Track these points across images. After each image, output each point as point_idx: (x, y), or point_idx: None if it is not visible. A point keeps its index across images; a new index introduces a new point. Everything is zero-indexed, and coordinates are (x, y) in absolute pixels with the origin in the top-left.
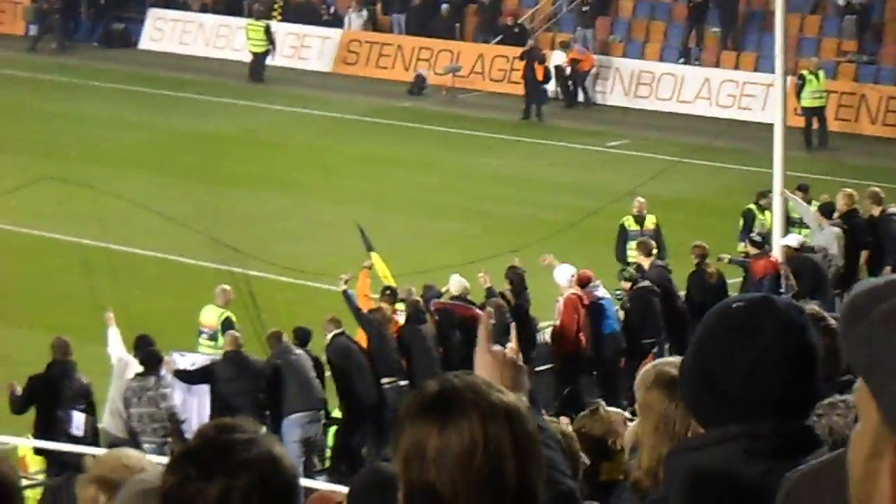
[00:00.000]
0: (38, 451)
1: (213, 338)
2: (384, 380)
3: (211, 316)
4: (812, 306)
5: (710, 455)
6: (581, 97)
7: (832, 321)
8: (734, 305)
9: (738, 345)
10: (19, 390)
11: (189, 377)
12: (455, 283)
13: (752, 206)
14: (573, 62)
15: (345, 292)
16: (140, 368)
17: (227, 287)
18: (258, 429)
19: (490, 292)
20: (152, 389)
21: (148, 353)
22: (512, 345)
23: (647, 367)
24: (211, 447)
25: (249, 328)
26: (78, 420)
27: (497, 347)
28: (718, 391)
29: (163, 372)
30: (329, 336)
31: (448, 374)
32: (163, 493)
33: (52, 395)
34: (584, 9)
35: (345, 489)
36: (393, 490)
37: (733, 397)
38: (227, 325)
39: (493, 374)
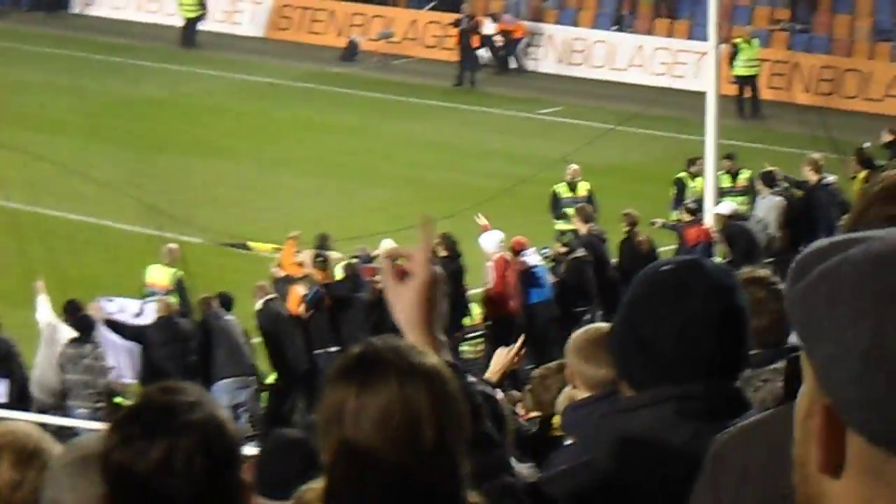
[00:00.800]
0: None
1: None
2: (317, 350)
3: (160, 275)
4: (764, 270)
5: (640, 417)
6: (513, 65)
7: (782, 285)
8: (664, 268)
9: (668, 306)
10: None
11: (121, 331)
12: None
13: (682, 173)
14: (503, 32)
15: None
16: (70, 333)
17: (173, 246)
18: (202, 392)
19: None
20: (88, 357)
21: (81, 318)
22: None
23: (578, 334)
24: (154, 408)
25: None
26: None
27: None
28: (649, 353)
29: (97, 337)
30: (260, 302)
31: (373, 338)
32: (104, 453)
33: None
34: None
35: None
36: (296, 452)
37: (664, 358)
38: (179, 284)
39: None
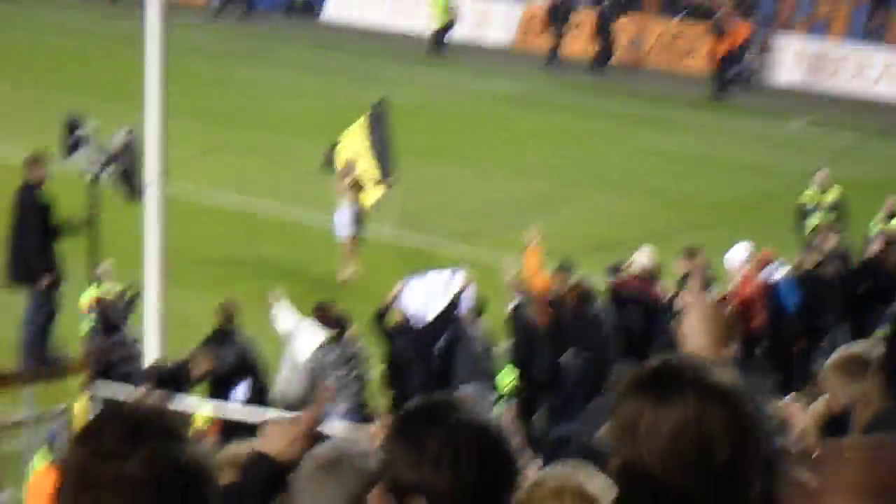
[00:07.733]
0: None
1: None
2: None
3: (84, 298)
4: None
5: None
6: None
7: None
8: None
9: None
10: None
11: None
12: (639, 259)
13: None
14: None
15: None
16: (307, 342)
17: (105, 265)
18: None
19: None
20: (337, 360)
21: (331, 320)
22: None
23: (841, 351)
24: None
25: None
26: (239, 394)
27: (710, 298)
28: None
29: (346, 340)
30: (510, 308)
31: (670, 353)
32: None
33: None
34: None
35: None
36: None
37: None
38: (97, 306)
39: (705, 322)
